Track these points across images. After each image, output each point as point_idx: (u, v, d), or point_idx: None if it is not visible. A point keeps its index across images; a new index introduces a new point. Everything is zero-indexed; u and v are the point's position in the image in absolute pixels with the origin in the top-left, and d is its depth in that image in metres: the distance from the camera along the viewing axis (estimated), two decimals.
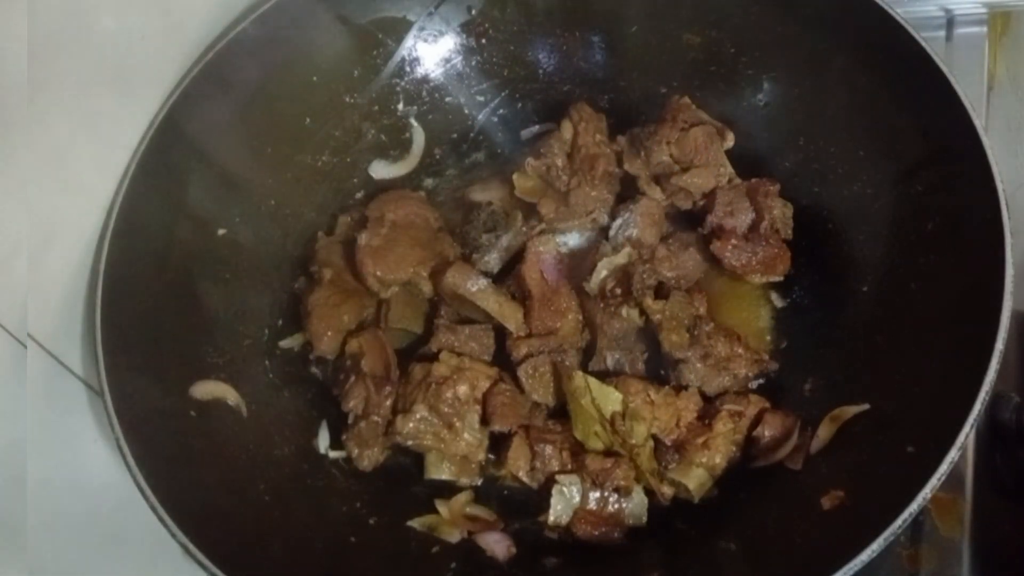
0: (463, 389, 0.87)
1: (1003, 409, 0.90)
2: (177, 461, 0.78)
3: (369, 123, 1.07)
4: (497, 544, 0.83)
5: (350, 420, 0.89)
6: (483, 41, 1.08)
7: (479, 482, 0.89)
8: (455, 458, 0.88)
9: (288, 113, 1.00)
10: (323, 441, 0.91)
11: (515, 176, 0.99)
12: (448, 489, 0.88)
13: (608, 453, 0.85)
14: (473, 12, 1.06)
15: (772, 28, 0.97)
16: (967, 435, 0.68)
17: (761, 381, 0.91)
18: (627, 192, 1.01)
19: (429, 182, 1.08)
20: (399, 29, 1.05)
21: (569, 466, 0.86)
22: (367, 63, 1.05)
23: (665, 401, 0.85)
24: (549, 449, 0.86)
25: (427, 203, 1.02)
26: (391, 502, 0.88)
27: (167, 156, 0.88)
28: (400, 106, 1.08)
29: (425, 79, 1.09)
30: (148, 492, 0.73)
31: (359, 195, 1.06)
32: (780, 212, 0.94)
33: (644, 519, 0.84)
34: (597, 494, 0.84)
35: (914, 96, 0.85)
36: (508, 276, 0.96)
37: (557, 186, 0.98)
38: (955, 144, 0.80)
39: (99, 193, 0.84)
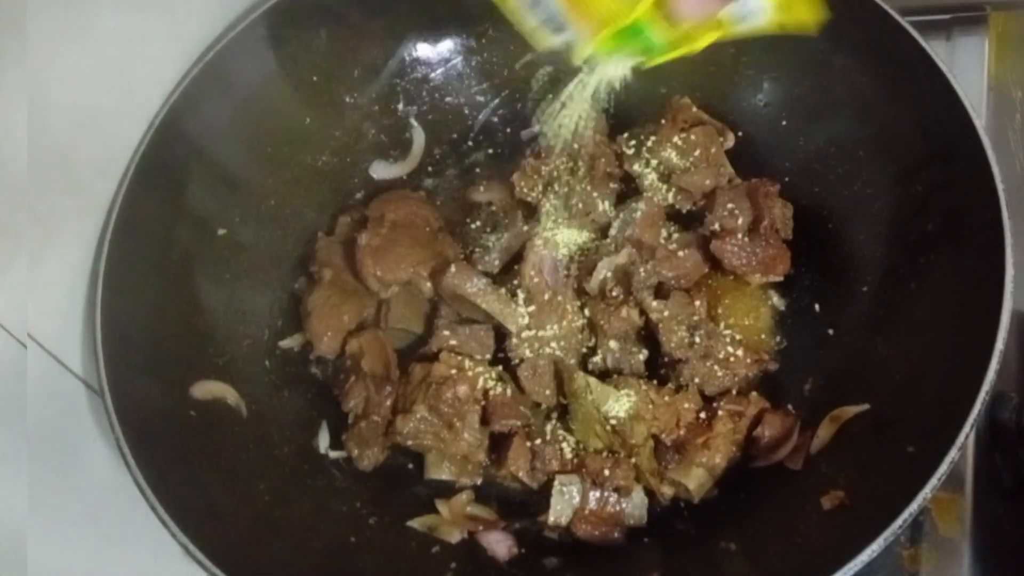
0: (463, 389, 0.86)
1: (1003, 409, 0.90)
2: (177, 461, 0.78)
3: (369, 123, 1.07)
4: (499, 544, 0.83)
5: (350, 420, 0.89)
6: (483, 41, 1.08)
7: (479, 482, 0.89)
8: (455, 458, 0.88)
9: (288, 113, 1.00)
10: (323, 441, 0.91)
11: (515, 176, 0.99)
12: (448, 489, 0.88)
13: (608, 453, 0.85)
14: (473, 12, 1.06)
15: None
16: (967, 435, 0.68)
17: (761, 381, 0.91)
18: (627, 192, 1.01)
19: (429, 182, 1.08)
20: (399, 29, 1.05)
21: (569, 466, 0.86)
22: (367, 63, 1.05)
23: (665, 401, 0.85)
24: (549, 449, 0.86)
25: (427, 203, 1.02)
26: (391, 502, 0.88)
27: (167, 156, 0.88)
28: (400, 106, 1.08)
29: (425, 79, 1.09)
30: (148, 492, 0.73)
31: (359, 195, 1.06)
32: (780, 212, 0.94)
33: (644, 519, 0.84)
34: (597, 494, 0.84)
35: (914, 96, 0.85)
36: (508, 276, 0.96)
37: (557, 186, 0.98)
38: (955, 144, 0.80)
39: (99, 193, 0.84)
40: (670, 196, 0.98)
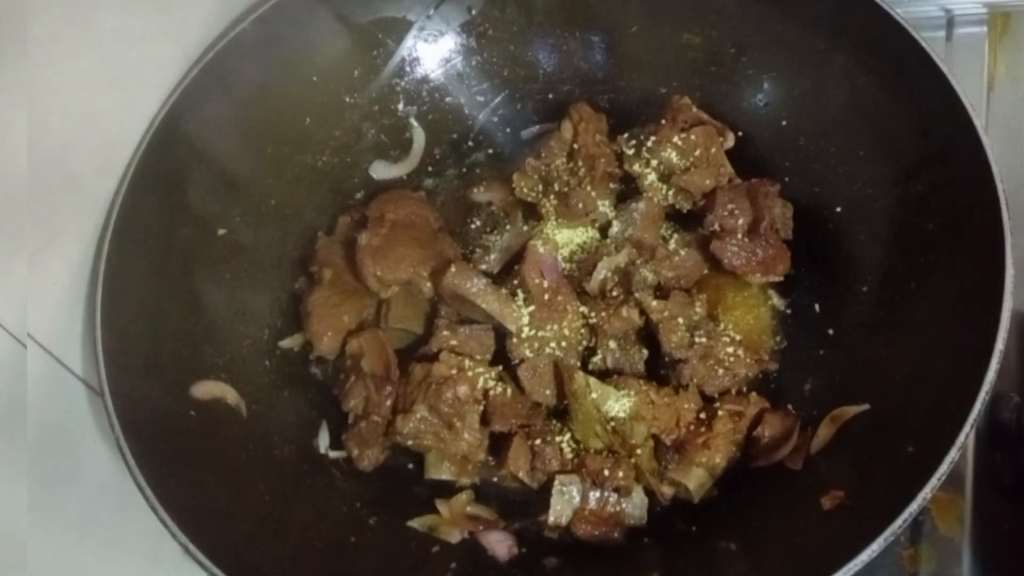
0: (463, 389, 0.86)
1: (1003, 409, 0.90)
2: (177, 461, 0.78)
3: (369, 123, 1.07)
4: (499, 544, 0.83)
5: (350, 420, 0.89)
6: (483, 41, 1.08)
7: (479, 482, 0.89)
8: (455, 458, 0.88)
9: (288, 113, 1.00)
10: (323, 441, 0.91)
11: (515, 176, 0.99)
12: (448, 489, 0.89)
13: (608, 453, 0.85)
14: (473, 12, 1.06)
15: (772, 28, 0.97)
16: (967, 435, 0.68)
17: (761, 381, 0.91)
18: (627, 192, 1.01)
19: (429, 182, 1.08)
20: (399, 29, 1.05)
21: (569, 466, 0.86)
22: (367, 63, 1.05)
23: (665, 401, 0.85)
24: (549, 449, 0.86)
25: (427, 203, 1.02)
26: (391, 502, 0.88)
27: (167, 156, 0.88)
28: (400, 106, 1.08)
29: (425, 79, 1.09)
30: (148, 492, 0.73)
31: (359, 195, 1.06)
32: (780, 212, 0.94)
33: (644, 519, 0.84)
34: (597, 494, 0.84)
35: (914, 96, 0.85)
36: (508, 276, 0.96)
37: (557, 186, 0.99)
38: (955, 144, 0.80)
39: (99, 193, 0.84)
40: (670, 196, 0.98)
